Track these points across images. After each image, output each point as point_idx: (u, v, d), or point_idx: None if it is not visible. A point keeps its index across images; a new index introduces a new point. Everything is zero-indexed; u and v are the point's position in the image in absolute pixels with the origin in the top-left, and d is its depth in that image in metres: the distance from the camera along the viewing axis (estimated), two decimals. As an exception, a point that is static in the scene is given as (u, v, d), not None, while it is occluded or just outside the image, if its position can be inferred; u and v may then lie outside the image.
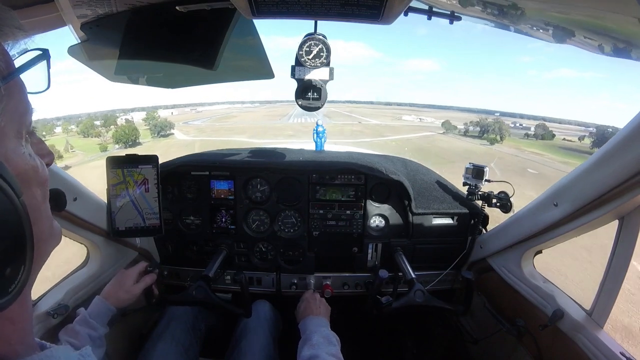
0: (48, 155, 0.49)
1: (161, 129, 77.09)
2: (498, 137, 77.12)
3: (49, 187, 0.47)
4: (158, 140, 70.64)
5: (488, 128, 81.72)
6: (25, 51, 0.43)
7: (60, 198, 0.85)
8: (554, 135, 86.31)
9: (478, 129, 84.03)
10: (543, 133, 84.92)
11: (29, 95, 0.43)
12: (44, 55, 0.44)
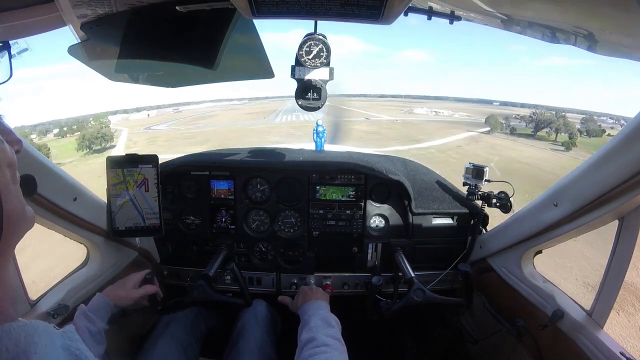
0: (17, 143, 0.51)
1: (91, 142, 51.83)
2: (566, 137, 54.46)
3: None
4: (84, 159, 46.29)
5: (550, 125, 59.96)
6: None
7: (30, 183, 0.87)
8: (604, 131, 67.41)
9: (532, 125, 62.81)
10: (596, 129, 66.81)
11: None
12: (4, 46, 0.45)
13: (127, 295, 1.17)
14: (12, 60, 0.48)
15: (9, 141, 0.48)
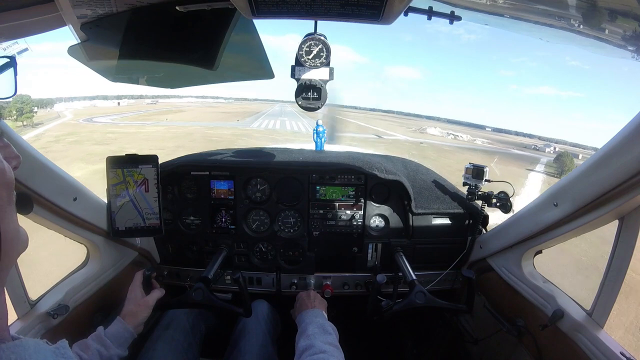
0: (15, 159, 0.50)
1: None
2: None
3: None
4: None
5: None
6: None
7: (26, 201, 0.85)
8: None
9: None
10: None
11: None
12: (11, 63, 0.44)
13: (139, 308, 1.17)
14: (17, 76, 0.46)
15: (7, 157, 0.46)
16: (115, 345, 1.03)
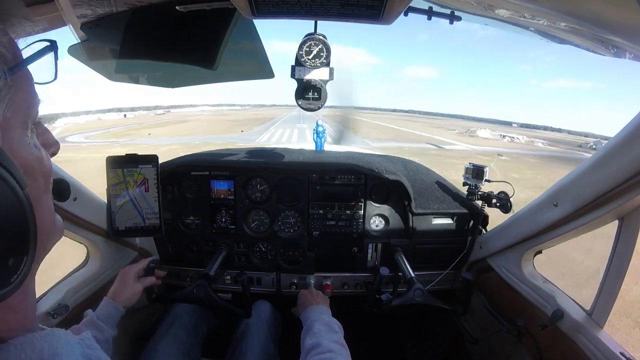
0: (53, 145, 0.49)
1: None
2: None
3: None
4: None
5: None
6: (33, 42, 0.42)
7: (63, 188, 0.84)
8: None
9: None
10: None
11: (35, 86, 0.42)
12: (52, 46, 0.44)
13: (132, 292, 1.17)
14: (57, 61, 0.46)
15: (45, 144, 0.46)
16: (108, 327, 1.04)
